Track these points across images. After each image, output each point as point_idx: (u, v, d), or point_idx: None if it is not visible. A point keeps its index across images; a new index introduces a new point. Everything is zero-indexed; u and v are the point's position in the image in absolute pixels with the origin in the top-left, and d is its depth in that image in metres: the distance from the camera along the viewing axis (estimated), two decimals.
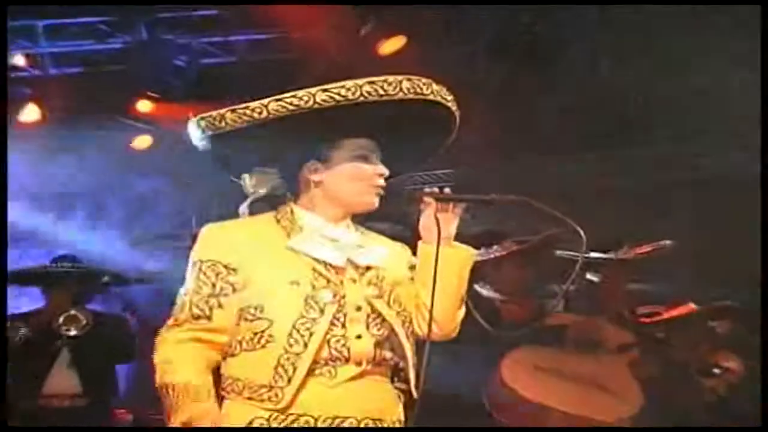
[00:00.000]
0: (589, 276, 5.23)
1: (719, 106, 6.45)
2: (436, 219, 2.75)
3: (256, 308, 2.63)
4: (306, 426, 2.59)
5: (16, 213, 8.51)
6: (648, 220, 6.40)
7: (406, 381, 2.73)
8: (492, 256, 5.12)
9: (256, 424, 2.58)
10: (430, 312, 2.71)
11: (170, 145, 7.18)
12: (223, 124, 2.68)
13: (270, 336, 2.60)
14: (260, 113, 2.62)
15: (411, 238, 2.87)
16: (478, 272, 5.10)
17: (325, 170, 2.75)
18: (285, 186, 2.84)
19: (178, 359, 2.61)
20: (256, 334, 2.62)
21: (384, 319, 2.70)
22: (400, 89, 2.64)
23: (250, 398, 2.60)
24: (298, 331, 2.60)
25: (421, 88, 2.68)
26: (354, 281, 2.71)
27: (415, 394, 2.70)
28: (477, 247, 5.10)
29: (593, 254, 5.12)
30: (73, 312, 5.88)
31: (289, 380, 2.57)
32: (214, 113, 2.70)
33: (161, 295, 5.70)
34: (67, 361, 5.90)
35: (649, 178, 7.36)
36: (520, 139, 7.15)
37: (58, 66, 7.69)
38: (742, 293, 5.42)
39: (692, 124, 6.81)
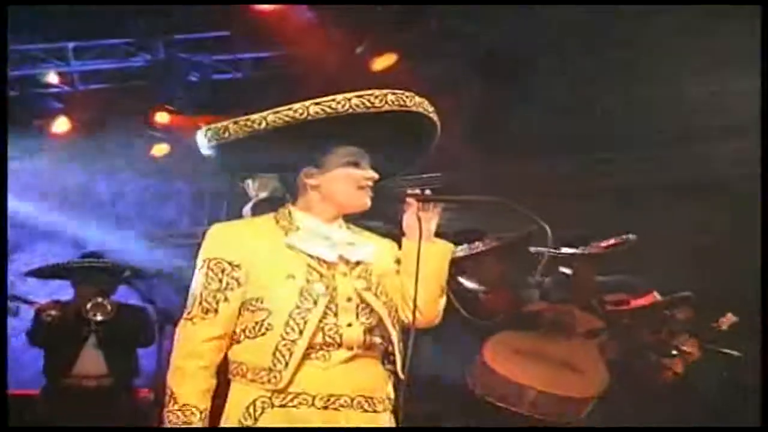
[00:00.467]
0: (562, 269, 5.23)
1: (683, 111, 6.49)
2: (418, 218, 2.76)
3: (256, 300, 2.65)
4: (304, 403, 2.61)
5: (46, 212, 8.55)
6: (616, 218, 6.38)
7: (395, 363, 2.74)
8: (474, 251, 5.13)
9: (258, 403, 2.61)
10: (414, 301, 2.73)
11: (185, 152, 7.18)
12: (227, 134, 2.68)
13: (269, 325, 2.62)
14: (260, 124, 2.63)
15: (400, 235, 2.88)
16: (461, 266, 5.15)
17: (321, 175, 2.75)
18: (284, 189, 2.84)
19: (188, 373, 2.64)
20: (257, 323, 2.64)
21: (372, 309, 2.70)
22: (386, 102, 2.64)
23: (252, 380, 2.62)
24: (293, 320, 2.61)
25: (405, 101, 2.68)
26: (345, 275, 2.72)
27: (401, 375, 2.71)
28: (460, 243, 5.18)
29: (564, 249, 5.13)
30: (99, 300, 5.92)
31: (287, 364, 2.59)
32: (219, 125, 2.71)
33: (177, 287, 5.72)
34: (94, 345, 5.94)
35: (619, 179, 7.34)
36: (501, 144, 7.14)
37: (85, 82, 7.70)
38: (701, 284, 5.44)
39: (663, 127, 6.81)
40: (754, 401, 4.61)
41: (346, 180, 2.75)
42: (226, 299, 2.66)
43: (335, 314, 2.65)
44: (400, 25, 6.87)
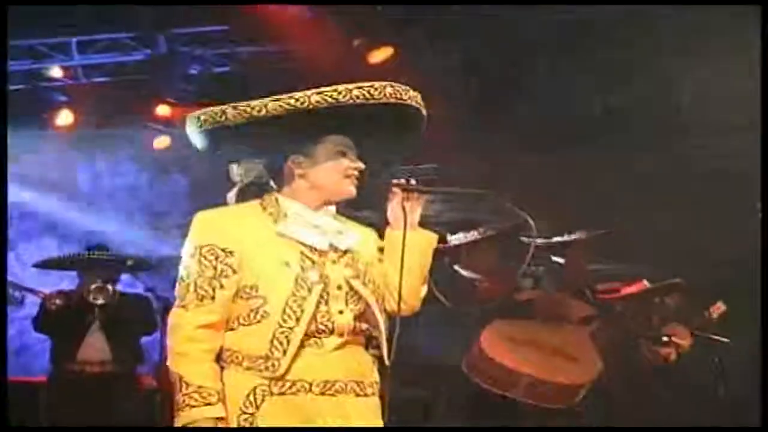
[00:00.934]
0: (554, 258, 5.25)
1: (680, 105, 6.49)
2: (403, 207, 2.78)
3: (251, 287, 2.63)
4: (302, 390, 2.61)
5: (52, 205, 8.56)
6: (611, 209, 6.38)
7: (379, 348, 2.75)
8: (469, 240, 5.14)
9: (259, 391, 2.59)
10: (399, 290, 2.74)
11: (186, 144, 7.17)
12: (223, 118, 2.65)
13: (265, 312, 2.61)
14: (259, 111, 2.61)
15: (384, 224, 2.89)
16: (457, 254, 5.17)
17: (309, 163, 2.74)
18: (269, 176, 2.82)
19: (193, 357, 2.60)
20: (252, 310, 2.62)
21: (360, 297, 2.71)
22: (384, 94, 2.65)
23: (249, 368, 2.61)
24: (290, 307, 2.61)
25: (401, 94, 2.69)
26: (334, 263, 2.72)
27: (387, 361, 2.72)
28: (455, 233, 5.19)
29: (555, 239, 5.15)
30: (101, 284, 5.93)
31: (285, 351, 2.58)
32: (216, 108, 2.68)
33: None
34: (97, 332, 5.96)
35: (613, 171, 7.34)
36: (495, 137, 7.13)
37: (88, 76, 7.68)
38: (691, 271, 5.45)
39: (660, 120, 6.82)
40: (745, 389, 4.65)
41: (334, 169, 2.75)
42: (221, 286, 2.63)
43: (327, 302, 2.66)
44: (397, 19, 6.86)
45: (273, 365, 2.59)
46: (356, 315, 2.70)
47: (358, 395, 2.69)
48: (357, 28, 6.90)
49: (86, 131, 8.04)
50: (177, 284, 2.69)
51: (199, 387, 2.56)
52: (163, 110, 7.69)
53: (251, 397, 2.60)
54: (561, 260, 5.24)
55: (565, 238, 5.17)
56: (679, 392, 5.19)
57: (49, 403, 6.00)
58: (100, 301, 5.91)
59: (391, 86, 2.68)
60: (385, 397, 2.74)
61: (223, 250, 2.66)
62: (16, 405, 5.22)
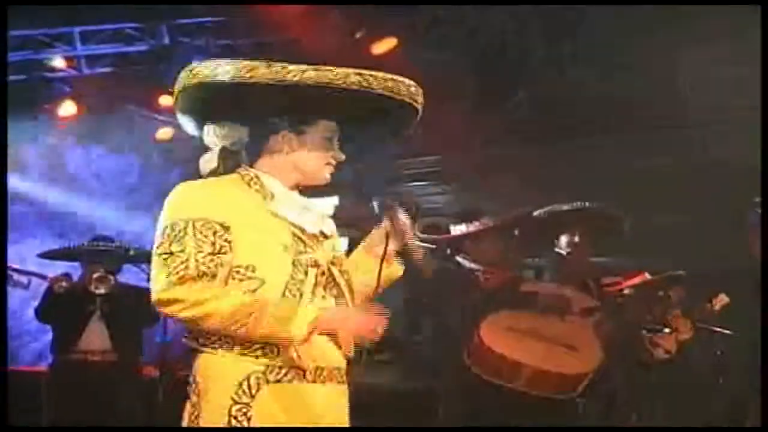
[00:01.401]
0: (557, 249, 5.20)
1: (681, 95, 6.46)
2: (386, 235, 2.76)
3: (246, 268, 2.48)
4: (297, 377, 2.51)
5: (55, 195, 8.53)
6: (613, 200, 6.36)
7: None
8: (472, 230, 5.11)
9: (253, 379, 2.47)
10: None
11: (188, 136, 7.14)
12: (248, 75, 2.49)
13: (262, 295, 2.48)
14: (294, 76, 2.46)
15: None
16: (459, 245, 5.13)
17: (297, 143, 2.64)
18: (246, 145, 2.68)
19: (224, 300, 2.42)
20: (247, 292, 2.47)
21: (336, 283, 2.64)
22: (383, 86, 2.56)
23: (243, 353, 2.48)
24: (290, 291, 2.51)
25: (400, 90, 2.60)
26: (318, 247, 2.64)
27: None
28: (459, 224, 5.16)
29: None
30: (102, 273, 5.93)
31: None
32: (246, 63, 2.52)
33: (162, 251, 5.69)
34: (99, 322, 5.99)
35: (616, 162, 7.32)
36: (496, 128, 7.11)
37: (91, 66, 7.65)
38: (694, 263, 5.42)
39: (661, 112, 6.80)
40: (744, 382, 4.62)
41: (319, 157, 2.66)
42: (221, 264, 2.47)
43: (317, 286, 2.59)
44: (400, 10, 6.83)
45: (271, 351, 2.48)
46: (335, 302, 2.63)
47: (339, 383, 2.62)
48: (359, 18, 6.86)
49: (88, 121, 8.00)
50: (161, 258, 2.46)
51: (265, 301, 2.45)
52: (165, 101, 7.64)
53: (244, 386, 2.46)
54: (564, 252, 5.19)
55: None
56: (681, 384, 5.16)
57: (50, 392, 5.99)
58: (101, 291, 5.92)
59: (393, 80, 2.58)
60: (350, 386, 2.67)
61: (220, 224, 2.48)
62: (19, 395, 5.20)
